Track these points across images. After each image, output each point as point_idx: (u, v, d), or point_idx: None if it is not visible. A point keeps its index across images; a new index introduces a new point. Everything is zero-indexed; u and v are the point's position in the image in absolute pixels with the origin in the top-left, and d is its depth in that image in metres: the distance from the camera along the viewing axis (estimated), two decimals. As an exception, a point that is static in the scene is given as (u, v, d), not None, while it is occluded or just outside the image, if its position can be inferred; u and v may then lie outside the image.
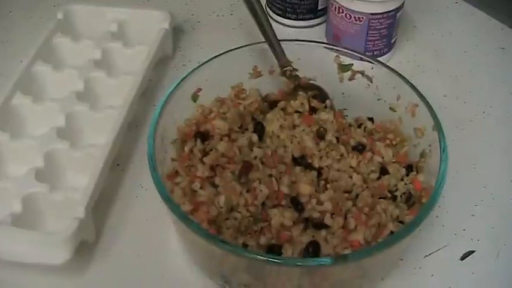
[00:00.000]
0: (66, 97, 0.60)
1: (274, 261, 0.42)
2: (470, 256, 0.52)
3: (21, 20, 0.76)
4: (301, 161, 0.52)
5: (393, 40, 0.69)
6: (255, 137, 0.54)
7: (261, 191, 0.49)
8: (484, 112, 0.65)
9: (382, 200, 0.50)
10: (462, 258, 0.52)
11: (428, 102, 0.51)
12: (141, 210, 0.55)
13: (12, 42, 0.73)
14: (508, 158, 0.61)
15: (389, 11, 0.65)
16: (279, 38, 0.60)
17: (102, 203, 0.54)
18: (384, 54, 0.69)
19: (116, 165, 0.58)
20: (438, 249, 0.53)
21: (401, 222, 0.48)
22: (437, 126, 0.50)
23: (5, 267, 0.50)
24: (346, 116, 0.58)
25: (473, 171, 0.59)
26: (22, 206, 0.51)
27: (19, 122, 0.59)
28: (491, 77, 0.69)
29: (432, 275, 0.51)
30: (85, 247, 0.51)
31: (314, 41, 0.60)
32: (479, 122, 0.64)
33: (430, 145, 0.51)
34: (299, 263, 0.43)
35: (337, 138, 0.54)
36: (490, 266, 0.52)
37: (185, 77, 0.53)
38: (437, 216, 0.54)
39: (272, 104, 0.58)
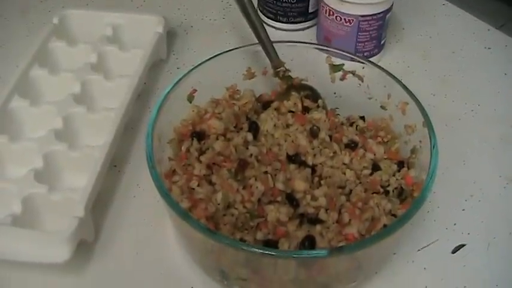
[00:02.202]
0: (63, 100, 0.61)
1: (271, 254, 0.43)
2: (461, 249, 0.54)
3: (17, 25, 0.77)
4: (295, 159, 0.54)
5: (382, 42, 0.71)
6: (250, 136, 0.55)
7: (257, 187, 0.50)
8: (472, 110, 0.67)
9: (375, 194, 0.51)
10: (453, 252, 0.53)
11: (418, 100, 0.53)
12: (139, 209, 0.56)
13: (7, 47, 0.74)
14: (496, 154, 0.62)
15: (378, 13, 0.67)
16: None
17: (100, 203, 0.55)
18: (374, 55, 0.71)
19: (113, 166, 0.59)
20: (430, 243, 0.54)
21: (394, 215, 0.49)
22: (427, 123, 0.51)
23: (5, 267, 0.51)
24: (338, 115, 0.59)
25: (463, 168, 0.60)
26: (22, 206, 0.52)
27: (17, 124, 0.60)
28: (478, 76, 0.71)
29: (424, 268, 0.52)
30: (84, 246, 0.52)
31: (306, 42, 0.61)
32: (467, 119, 0.66)
33: (420, 141, 0.52)
34: (295, 255, 0.44)
35: (330, 137, 0.56)
36: (481, 259, 0.53)
37: (181, 78, 0.54)
38: (428, 212, 0.56)
39: (266, 105, 0.59)
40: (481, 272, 0.52)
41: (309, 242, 0.47)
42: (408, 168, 0.53)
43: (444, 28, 0.78)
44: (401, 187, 0.52)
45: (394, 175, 0.53)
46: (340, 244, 0.47)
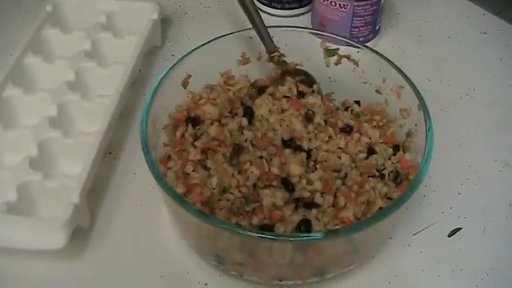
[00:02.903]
0: (58, 87, 0.60)
1: (267, 238, 0.43)
2: (457, 233, 0.54)
3: (10, 14, 0.77)
4: (290, 143, 0.53)
5: (377, 27, 0.71)
6: (244, 121, 0.55)
7: (252, 172, 0.50)
8: (467, 95, 0.67)
9: (370, 178, 0.51)
10: (449, 235, 0.54)
11: (413, 83, 0.53)
12: (134, 196, 0.56)
13: (1, 35, 0.73)
14: (491, 138, 0.62)
15: (373, -2, 0.67)
16: (265, 26, 0.61)
17: (96, 190, 0.55)
18: (369, 40, 0.70)
19: (108, 153, 0.59)
20: (426, 227, 0.54)
21: (389, 199, 0.49)
22: (423, 106, 0.51)
23: (1, 254, 0.51)
24: (333, 99, 0.59)
25: (459, 152, 0.60)
26: (17, 194, 0.52)
27: (11, 112, 0.60)
28: (473, 60, 0.71)
29: (421, 252, 0.52)
30: (80, 233, 0.52)
31: (301, 27, 0.61)
32: (463, 104, 0.66)
33: (415, 125, 0.52)
34: (291, 238, 0.44)
35: (325, 121, 0.55)
36: (477, 242, 0.53)
37: (175, 64, 0.54)
38: (424, 196, 0.56)
39: (261, 90, 0.59)
40: (477, 256, 0.52)
41: (304, 226, 0.47)
42: (404, 152, 0.53)
43: (439, 13, 0.78)
44: (397, 170, 0.52)
45: (389, 159, 0.53)
46: (336, 227, 0.47)
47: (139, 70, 0.66)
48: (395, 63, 0.55)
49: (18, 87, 0.61)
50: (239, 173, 0.50)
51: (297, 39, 0.60)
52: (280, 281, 0.48)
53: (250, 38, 0.60)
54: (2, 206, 0.51)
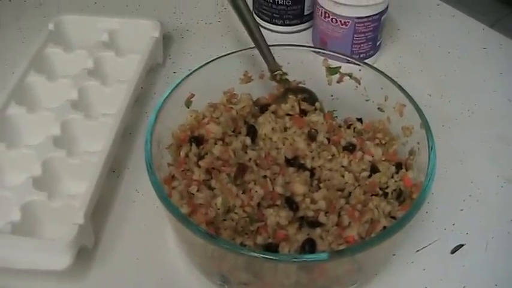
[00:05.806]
0: (61, 106, 0.61)
1: (272, 259, 0.43)
2: (460, 249, 0.54)
3: (12, 32, 0.77)
4: (294, 162, 0.54)
5: (378, 43, 0.71)
6: (248, 140, 0.55)
7: (256, 191, 0.50)
8: (468, 110, 0.67)
9: (374, 197, 0.51)
10: (452, 252, 0.54)
11: (415, 102, 0.53)
12: (139, 214, 0.56)
13: (3, 54, 0.73)
14: (493, 153, 0.62)
15: (374, 15, 0.67)
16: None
17: (100, 209, 0.55)
18: (370, 56, 0.71)
19: (112, 171, 0.59)
20: (429, 244, 0.54)
21: (393, 217, 0.50)
22: (425, 125, 0.51)
23: (5, 275, 0.51)
24: (336, 117, 0.59)
25: (461, 168, 0.61)
26: (21, 214, 0.52)
27: (15, 131, 0.60)
28: (474, 76, 0.71)
29: (424, 269, 0.52)
30: (85, 252, 0.52)
31: (303, 45, 0.61)
32: (464, 119, 0.66)
33: (418, 143, 0.52)
34: (295, 259, 0.44)
35: (328, 139, 0.56)
36: (480, 259, 0.53)
37: (179, 83, 0.54)
38: (427, 212, 0.56)
39: (263, 108, 0.59)
40: (480, 272, 0.52)
41: (309, 246, 0.47)
42: (406, 170, 0.53)
43: (439, 28, 0.78)
44: (400, 189, 0.52)
45: (392, 177, 0.53)
46: (341, 247, 0.47)
47: (142, 88, 0.66)
48: (397, 79, 0.55)
49: (21, 106, 0.61)
50: (243, 192, 0.50)
51: (299, 58, 0.60)
52: (285, 300, 0.48)
53: (253, 56, 0.61)
54: (6, 226, 0.51)
